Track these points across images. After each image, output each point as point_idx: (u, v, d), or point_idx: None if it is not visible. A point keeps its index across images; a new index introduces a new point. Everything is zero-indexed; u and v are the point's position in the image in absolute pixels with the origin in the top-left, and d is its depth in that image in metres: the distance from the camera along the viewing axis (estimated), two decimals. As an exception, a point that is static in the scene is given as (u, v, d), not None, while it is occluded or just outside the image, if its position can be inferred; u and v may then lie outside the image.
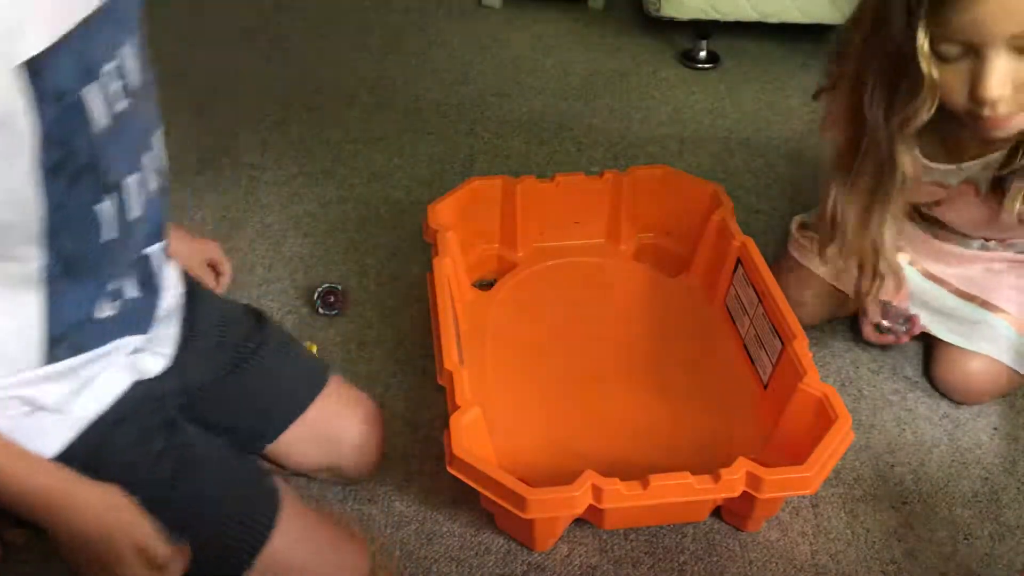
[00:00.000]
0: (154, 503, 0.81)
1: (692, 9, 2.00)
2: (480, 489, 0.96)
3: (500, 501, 0.95)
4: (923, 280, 1.28)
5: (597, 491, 0.94)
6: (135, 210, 0.79)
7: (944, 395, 1.27)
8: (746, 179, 1.71)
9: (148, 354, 0.90)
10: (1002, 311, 1.23)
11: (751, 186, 1.69)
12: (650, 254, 1.44)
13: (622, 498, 0.94)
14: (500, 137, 1.81)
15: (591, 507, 0.95)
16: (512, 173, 1.69)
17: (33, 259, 0.73)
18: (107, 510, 0.77)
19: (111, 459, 0.83)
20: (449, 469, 0.98)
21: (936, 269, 1.28)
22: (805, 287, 1.29)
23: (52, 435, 0.81)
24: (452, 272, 1.24)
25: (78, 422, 0.83)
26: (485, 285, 1.40)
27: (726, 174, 1.72)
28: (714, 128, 1.86)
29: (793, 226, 1.37)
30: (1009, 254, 1.24)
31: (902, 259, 1.26)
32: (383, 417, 1.11)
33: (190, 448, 0.89)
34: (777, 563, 1.05)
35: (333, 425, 1.05)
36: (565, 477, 0.94)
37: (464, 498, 1.09)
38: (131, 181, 0.78)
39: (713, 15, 2.01)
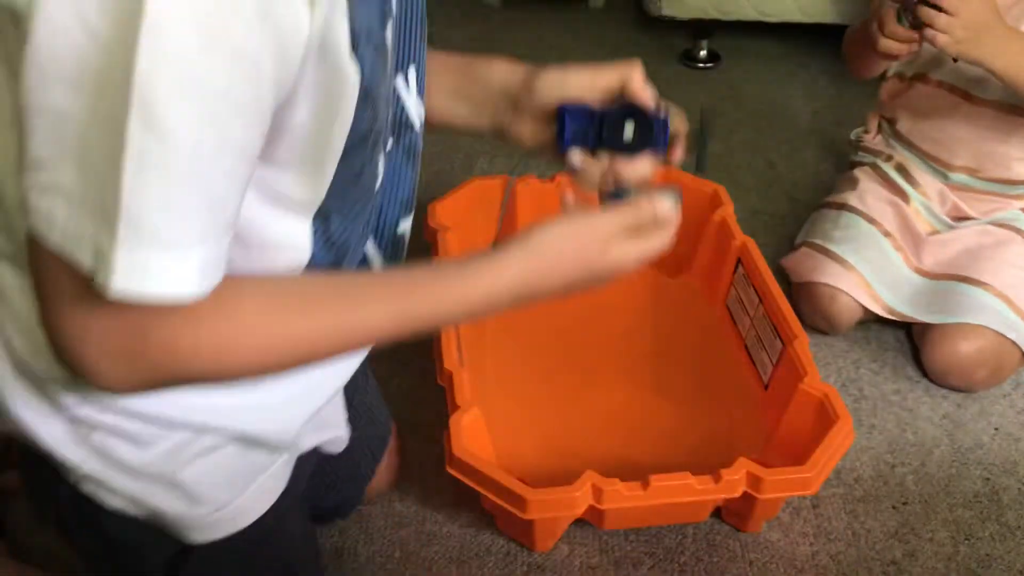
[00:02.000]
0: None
1: (693, 8, 2.00)
2: (480, 489, 0.96)
3: (500, 501, 0.94)
4: (907, 269, 1.32)
5: (597, 491, 0.94)
6: (379, 178, 0.69)
7: (941, 384, 1.27)
8: (747, 179, 1.70)
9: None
10: (984, 284, 1.25)
11: (752, 186, 1.68)
12: (650, 254, 1.44)
13: (622, 498, 0.94)
14: (500, 137, 1.80)
15: (591, 507, 0.95)
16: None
17: (305, 242, 0.63)
18: (567, 245, 0.70)
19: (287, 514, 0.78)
20: (449, 469, 0.98)
21: (917, 260, 1.33)
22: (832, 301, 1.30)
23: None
24: (452, 272, 1.24)
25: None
26: (485, 285, 1.39)
27: (727, 174, 1.71)
28: (715, 127, 1.86)
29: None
30: (987, 226, 1.31)
31: (888, 244, 1.29)
32: (399, 442, 1.12)
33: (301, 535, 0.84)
34: (778, 563, 1.05)
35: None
36: (565, 477, 0.94)
37: (464, 499, 1.09)
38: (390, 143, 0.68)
39: (713, 14, 2.01)
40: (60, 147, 0.47)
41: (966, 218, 1.35)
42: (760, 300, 1.19)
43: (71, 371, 0.54)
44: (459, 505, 1.10)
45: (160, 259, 0.48)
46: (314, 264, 0.65)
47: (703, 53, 2.08)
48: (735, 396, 1.20)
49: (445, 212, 1.31)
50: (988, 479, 1.16)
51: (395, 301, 0.62)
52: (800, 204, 1.61)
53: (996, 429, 1.22)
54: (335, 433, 0.85)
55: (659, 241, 0.71)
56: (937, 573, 1.05)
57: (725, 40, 2.13)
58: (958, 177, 1.34)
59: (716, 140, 1.82)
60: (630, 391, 1.22)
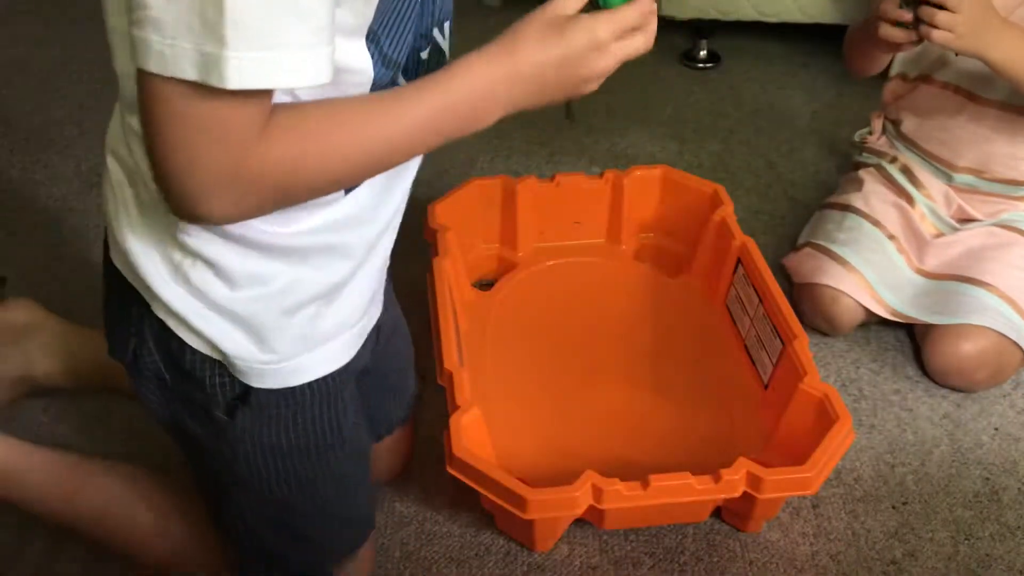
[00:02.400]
0: (318, 464, 0.85)
1: (692, 8, 2.00)
2: (480, 489, 0.96)
3: (500, 501, 0.94)
4: (910, 271, 1.32)
5: (597, 491, 0.94)
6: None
7: (942, 384, 1.27)
8: (746, 179, 1.70)
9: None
10: (987, 285, 1.25)
11: (751, 186, 1.68)
12: (650, 254, 1.44)
13: (622, 498, 0.94)
14: (500, 137, 1.81)
15: (591, 507, 0.95)
16: (512, 173, 1.70)
17: (368, 63, 0.69)
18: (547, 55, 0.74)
19: (339, 404, 0.85)
20: (449, 469, 0.98)
21: (920, 262, 1.32)
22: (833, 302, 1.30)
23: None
24: (452, 272, 1.24)
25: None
26: (485, 285, 1.40)
27: (726, 174, 1.71)
28: (714, 128, 1.86)
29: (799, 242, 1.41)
30: (992, 227, 1.31)
31: (892, 247, 1.29)
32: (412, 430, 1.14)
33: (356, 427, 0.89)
34: (778, 563, 1.05)
35: (396, 440, 1.09)
36: (565, 477, 0.94)
37: (464, 498, 1.09)
38: None
39: (713, 14, 2.01)
40: None
41: (971, 220, 1.35)
42: (760, 300, 1.19)
43: (184, 211, 0.62)
44: (459, 505, 1.10)
45: (271, 56, 0.56)
46: (378, 85, 0.71)
47: (703, 53, 2.08)
48: (735, 396, 1.20)
49: (445, 212, 1.31)
50: (988, 479, 1.16)
51: (428, 103, 0.69)
52: (800, 204, 1.61)
53: (996, 429, 1.22)
54: (380, 312, 0.91)
55: (643, 41, 0.78)
56: (937, 573, 1.05)
57: (725, 40, 2.13)
58: (963, 178, 1.34)
59: (716, 140, 1.82)
60: (630, 391, 1.22)
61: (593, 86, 0.76)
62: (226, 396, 0.79)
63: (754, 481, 0.95)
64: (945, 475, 1.16)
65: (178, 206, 0.62)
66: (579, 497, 0.93)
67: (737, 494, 0.95)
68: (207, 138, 0.59)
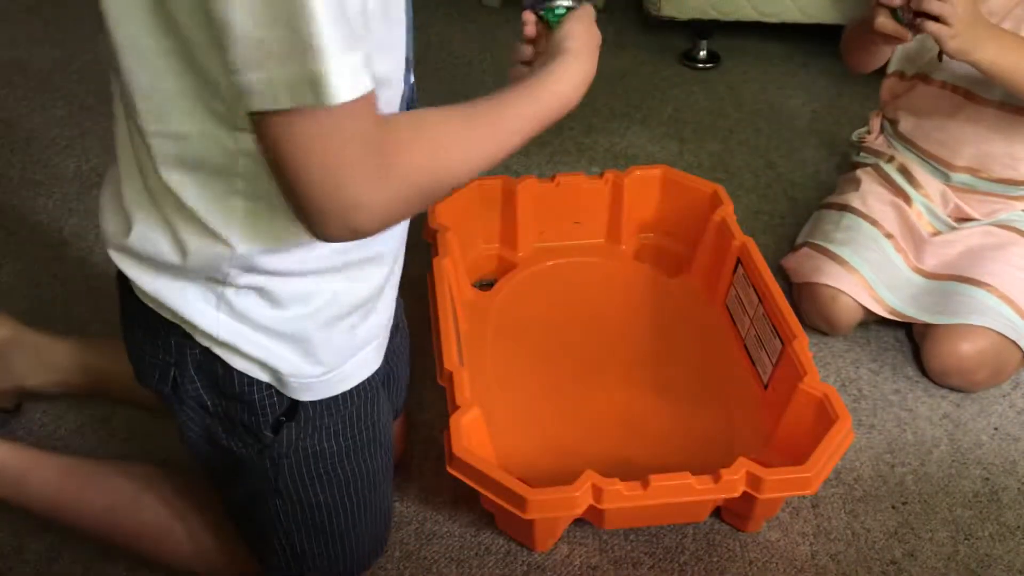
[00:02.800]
0: (341, 459, 0.87)
1: (692, 9, 2.00)
2: (480, 489, 0.96)
3: (500, 501, 0.95)
4: (908, 270, 1.32)
5: (597, 491, 0.94)
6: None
7: (942, 384, 1.27)
8: (746, 179, 1.71)
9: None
10: (985, 284, 1.25)
11: (751, 186, 1.68)
12: (650, 254, 1.44)
13: (622, 498, 0.94)
14: (500, 137, 1.81)
15: (591, 507, 0.95)
16: (512, 173, 1.69)
17: (398, 73, 0.75)
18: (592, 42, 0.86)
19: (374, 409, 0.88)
20: (449, 469, 0.98)
21: (918, 261, 1.33)
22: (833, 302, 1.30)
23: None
24: (452, 272, 1.24)
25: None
26: (485, 285, 1.40)
27: (726, 174, 1.72)
28: (714, 128, 1.86)
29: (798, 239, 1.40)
30: (989, 227, 1.31)
31: (890, 246, 1.29)
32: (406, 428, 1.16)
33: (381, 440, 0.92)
34: (777, 563, 1.05)
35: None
36: (565, 477, 0.94)
37: (464, 498, 1.09)
38: None
39: (713, 15, 2.01)
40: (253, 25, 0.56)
41: (968, 219, 1.35)
42: (760, 300, 1.19)
43: (338, 230, 0.64)
44: (459, 505, 1.10)
45: (351, 61, 0.58)
46: (404, 99, 0.77)
47: (703, 53, 2.08)
48: (735, 396, 1.20)
49: (445, 212, 1.31)
50: (988, 479, 1.16)
51: (526, 105, 0.79)
52: (800, 204, 1.61)
53: (996, 429, 1.22)
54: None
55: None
56: (937, 573, 1.05)
57: (725, 40, 2.12)
58: (960, 178, 1.34)
59: (716, 140, 1.82)
60: (630, 391, 1.22)
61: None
62: (275, 414, 0.82)
63: (754, 481, 0.95)
64: (945, 475, 1.16)
65: (332, 227, 0.64)
66: (579, 497, 0.93)
67: (737, 494, 0.96)
68: (345, 149, 0.61)
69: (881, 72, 1.40)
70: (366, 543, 0.96)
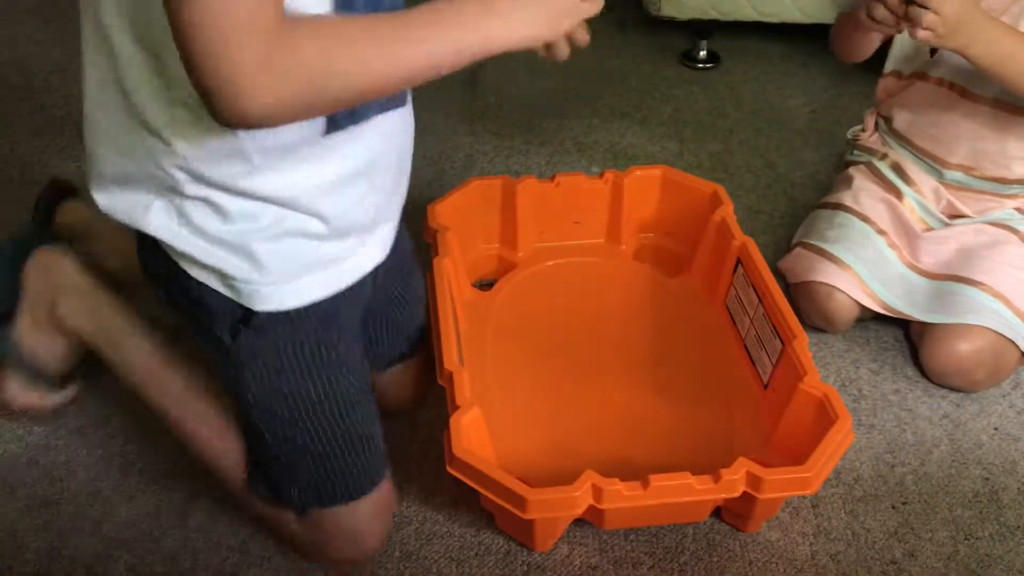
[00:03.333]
0: (317, 398, 0.92)
1: (692, 9, 2.00)
2: (480, 489, 0.96)
3: (500, 501, 0.95)
4: (902, 266, 1.32)
5: (597, 491, 0.94)
6: None
7: (941, 384, 1.27)
8: (746, 179, 1.71)
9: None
10: (980, 284, 1.25)
11: (751, 186, 1.69)
12: (650, 254, 1.44)
13: (622, 498, 0.94)
14: (500, 137, 1.81)
15: (591, 507, 0.95)
16: (512, 173, 1.70)
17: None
18: None
19: (331, 334, 0.92)
20: (449, 469, 0.98)
21: (913, 257, 1.33)
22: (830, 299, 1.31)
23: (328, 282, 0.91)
24: (452, 272, 1.24)
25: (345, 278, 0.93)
26: (485, 285, 1.40)
27: (726, 174, 1.72)
28: (714, 128, 1.86)
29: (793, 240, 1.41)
30: (983, 225, 1.31)
31: (882, 242, 1.29)
32: (428, 360, 1.18)
33: (354, 379, 0.96)
34: (777, 563, 1.05)
35: (407, 374, 1.17)
36: (565, 477, 0.94)
37: (464, 498, 1.09)
38: None
39: (713, 15, 2.01)
40: None
41: (961, 216, 1.35)
42: (760, 300, 1.19)
43: (226, 109, 0.67)
44: (459, 505, 1.10)
45: None
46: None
47: (703, 53, 2.08)
48: (735, 396, 1.20)
49: (445, 212, 1.31)
50: (988, 479, 1.16)
51: (448, 27, 0.79)
52: (799, 204, 1.61)
53: (996, 429, 1.22)
54: (383, 254, 0.98)
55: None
56: (936, 573, 1.05)
57: (724, 40, 2.13)
58: (953, 175, 1.34)
59: (716, 140, 1.82)
60: (630, 391, 1.22)
61: (568, 23, 0.91)
62: (232, 318, 0.89)
63: (754, 481, 0.95)
64: (945, 475, 1.16)
65: (221, 105, 0.67)
66: (579, 497, 0.93)
67: (737, 494, 0.96)
68: (234, 25, 0.64)
69: (879, 70, 1.40)
70: (353, 471, 0.97)
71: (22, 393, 1.14)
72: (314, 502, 0.97)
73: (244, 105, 0.66)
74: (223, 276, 0.86)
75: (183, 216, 0.84)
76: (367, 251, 0.96)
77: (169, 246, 0.86)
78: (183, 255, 0.86)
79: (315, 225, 0.87)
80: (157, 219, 0.84)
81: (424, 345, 1.17)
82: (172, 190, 0.82)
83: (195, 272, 0.87)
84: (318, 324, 0.91)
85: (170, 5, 0.64)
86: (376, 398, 1.02)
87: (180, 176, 0.81)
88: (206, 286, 0.87)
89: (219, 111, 0.67)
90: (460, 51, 0.79)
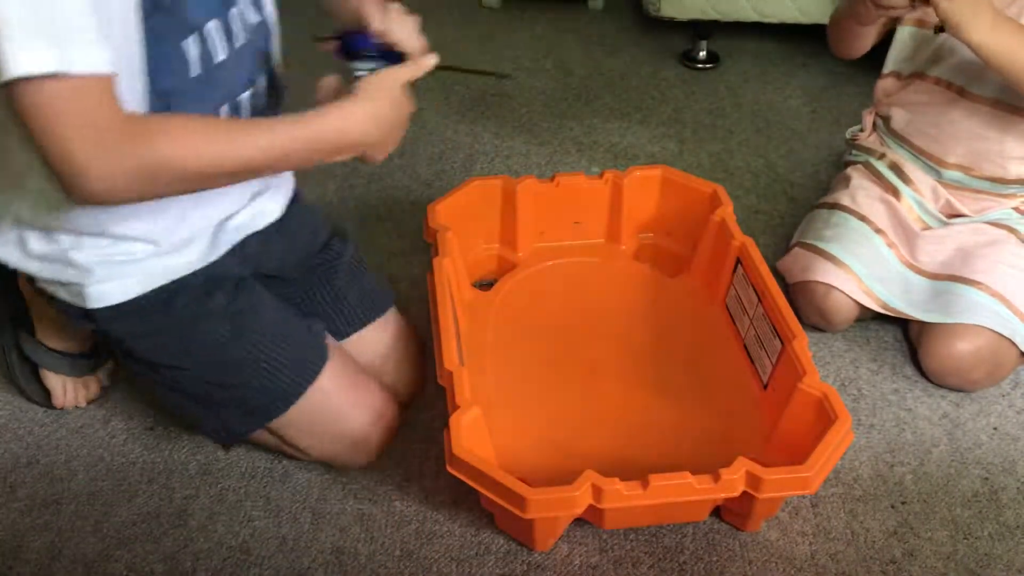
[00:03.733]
0: (215, 347, 1.01)
1: (692, 9, 2.00)
2: (480, 489, 0.96)
3: (500, 501, 0.95)
4: (900, 265, 1.32)
5: (597, 491, 0.94)
6: (219, 54, 0.90)
7: (940, 384, 1.27)
8: (746, 179, 1.71)
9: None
10: (978, 283, 1.25)
11: (751, 186, 1.69)
12: (650, 254, 1.44)
13: (622, 498, 0.94)
14: (500, 137, 1.81)
15: (591, 507, 0.95)
16: (512, 173, 1.70)
17: (141, 96, 0.85)
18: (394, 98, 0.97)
19: (176, 311, 1.00)
20: (449, 469, 0.98)
21: (911, 257, 1.33)
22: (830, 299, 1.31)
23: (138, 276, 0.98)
24: (452, 272, 1.24)
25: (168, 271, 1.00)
26: (485, 285, 1.40)
27: (726, 174, 1.72)
28: (713, 128, 1.86)
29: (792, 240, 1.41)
30: (981, 224, 1.32)
31: (880, 241, 1.29)
32: (423, 348, 1.26)
33: (251, 309, 1.04)
34: (777, 563, 1.05)
35: (378, 345, 1.20)
36: (565, 477, 0.94)
37: (464, 498, 1.09)
38: (211, 26, 0.89)
39: (712, 15, 2.02)
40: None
41: (959, 215, 1.35)
42: (759, 300, 1.19)
43: (76, 194, 0.77)
44: (459, 504, 1.10)
45: (77, 49, 0.72)
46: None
47: (702, 54, 2.08)
48: (734, 396, 1.20)
49: (445, 212, 1.31)
50: (987, 478, 1.16)
51: (266, 134, 0.87)
52: (799, 204, 1.61)
53: (995, 429, 1.23)
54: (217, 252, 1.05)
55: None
56: (936, 572, 1.05)
57: (724, 41, 2.13)
58: (951, 175, 1.34)
59: (716, 140, 1.82)
60: (630, 391, 1.22)
61: (401, 133, 0.99)
62: (78, 314, 1.00)
63: (753, 480, 0.95)
64: (944, 475, 1.16)
65: (66, 187, 0.77)
66: (579, 497, 0.93)
67: (736, 493, 0.96)
68: (71, 126, 0.74)
69: (878, 71, 1.41)
70: (267, 387, 1.04)
71: (71, 390, 1.22)
72: (247, 424, 1.06)
73: (86, 189, 0.76)
74: (65, 284, 0.97)
75: (23, 245, 0.96)
76: (192, 249, 1.01)
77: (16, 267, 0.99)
78: (39, 280, 0.99)
79: (139, 246, 0.96)
80: (2, 247, 0.97)
81: (388, 304, 1.23)
82: (17, 223, 0.95)
83: (51, 291, 1.00)
84: (161, 306, 1.00)
85: (15, 107, 0.72)
86: (379, 384, 1.14)
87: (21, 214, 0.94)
88: (56, 297, 1.00)
89: (67, 192, 0.77)
90: (313, 146, 0.90)
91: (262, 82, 1.01)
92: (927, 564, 1.06)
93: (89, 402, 1.23)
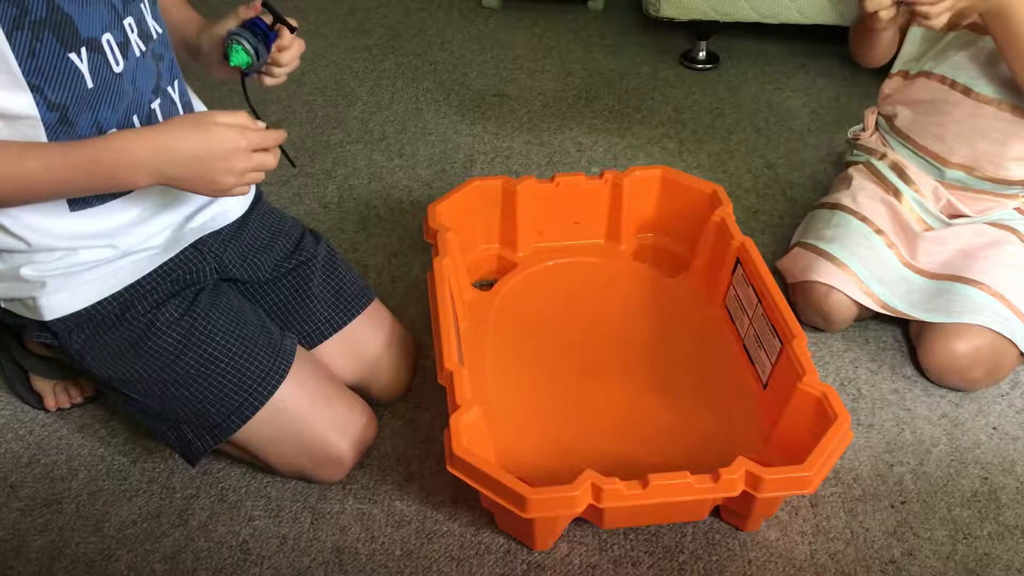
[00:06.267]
0: (167, 359, 1.01)
1: (692, 10, 2.00)
2: (480, 489, 0.96)
3: (500, 501, 0.95)
4: (900, 266, 1.32)
5: (597, 490, 0.94)
6: (116, 66, 0.92)
7: (939, 384, 1.27)
8: (746, 179, 1.71)
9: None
10: (979, 283, 1.25)
11: (751, 186, 1.69)
12: (650, 254, 1.45)
13: (622, 497, 0.94)
14: (500, 137, 1.81)
15: (591, 506, 0.95)
16: (512, 173, 1.70)
17: (30, 109, 0.87)
18: (200, 130, 0.91)
19: (128, 322, 1.01)
20: (449, 469, 0.98)
21: (911, 257, 1.33)
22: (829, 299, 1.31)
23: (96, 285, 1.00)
24: (452, 272, 1.24)
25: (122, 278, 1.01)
26: (485, 285, 1.40)
27: (726, 174, 1.72)
28: (713, 128, 1.86)
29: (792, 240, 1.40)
30: (982, 225, 1.32)
31: (880, 241, 1.29)
32: (416, 345, 1.26)
33: (205, 318, 1.03)
34: (776, 562, 1.05)
35: (368, 344, 1.19)
36: (565, 477, 0.95)
37: (464, 498, 1.09)
38: (106, 39, 0.90)
39: (712, 16, 2.02)
40: None
41: (960, 216, 1.35)
42: (759, 300, 1.20)
43: None
44: (459, 504, 1.10)
45: None
46: (51, 128, 0.89)
47: (702, 54, 2.08)
48: (734, 395, 1.20)
49: (445, 212, 1.31)
50: (986, 478, 1.16)
51: (55, 156, 0.87)
52: (798, 204, 1.62)
53: (994, 428, 1.23)
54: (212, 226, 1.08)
55: (272, 160, 0.94)
56: (935, 572, 1.05)
57: (724, 41, 2.13)
58: (954, 174, 1.34)
59: (715, 140, 1.82)
60: (630, 391, 1.22)
61: (230, 180, 0.92)
62: (34, 328, 1.02)
63: (753, 480, 0.95)
64: (943, 474, 1.16)
65: None
66: (579, 496, 0.94)
67: (736, 493, 0.96)
68: None
69: (882, 73, 1.41)
70: (223, 399, 1.02)
71: (61, 393, 1.22)
72: (205, 440, 1.04)
73: None
74: (22, 301, 1.00)
75: None
76: (150, 247, 1.03)
77: None
78: None
79: (99, 252, 0.98)
80: None
81: (368, 299, 1.21)
82: None
83: (13, 308, 1.02)
84: (120, 312, 1.01)
85: None
86: (351, 395, 1.12)
87: None
88: (18, 315, 1.02)
89: None
90: (88, 173, 0.89)
91: (172, 92, 1.02)
92: (926, 564, 1.06)
93: (74, 404, 1.23)
